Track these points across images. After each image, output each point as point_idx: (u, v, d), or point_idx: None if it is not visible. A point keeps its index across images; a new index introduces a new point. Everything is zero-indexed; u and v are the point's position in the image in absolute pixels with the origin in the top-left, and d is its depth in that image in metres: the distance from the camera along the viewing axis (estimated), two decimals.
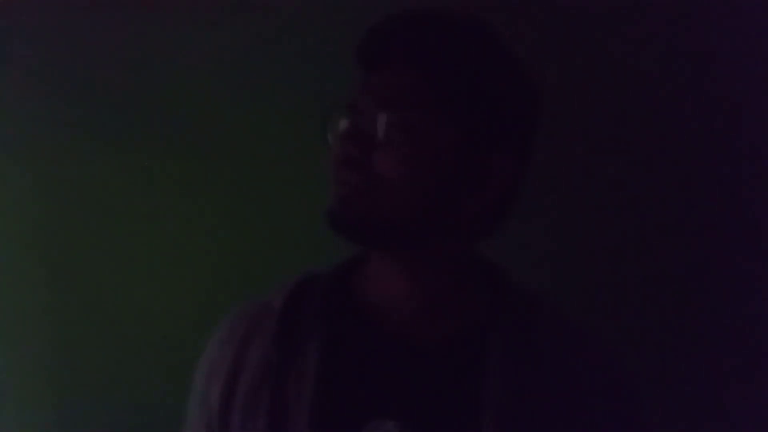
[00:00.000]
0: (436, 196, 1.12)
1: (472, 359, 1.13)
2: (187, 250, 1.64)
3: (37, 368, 1.66)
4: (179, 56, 1.63)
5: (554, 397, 1.12)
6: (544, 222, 1.60)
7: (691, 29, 1.58)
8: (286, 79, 1.58)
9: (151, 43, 1.63)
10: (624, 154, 1.60)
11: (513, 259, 1.31)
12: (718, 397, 1.57)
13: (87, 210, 1.66)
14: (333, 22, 1.58)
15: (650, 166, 1.60)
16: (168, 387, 1.51)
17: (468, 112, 1.10)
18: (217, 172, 1.64)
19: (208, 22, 1.62)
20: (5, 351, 1.66)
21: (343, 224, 1.11)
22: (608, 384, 1.16)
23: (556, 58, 1.59)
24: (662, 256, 1.59)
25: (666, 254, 1.59)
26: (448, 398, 1.11)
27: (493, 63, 1.13)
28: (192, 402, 1.23)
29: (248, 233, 1.63)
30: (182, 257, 1.64)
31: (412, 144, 1.09)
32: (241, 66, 1.62)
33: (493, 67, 1.13)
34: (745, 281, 1.58)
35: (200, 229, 1.64)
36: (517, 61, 1.15)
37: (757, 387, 1.56)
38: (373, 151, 1.09)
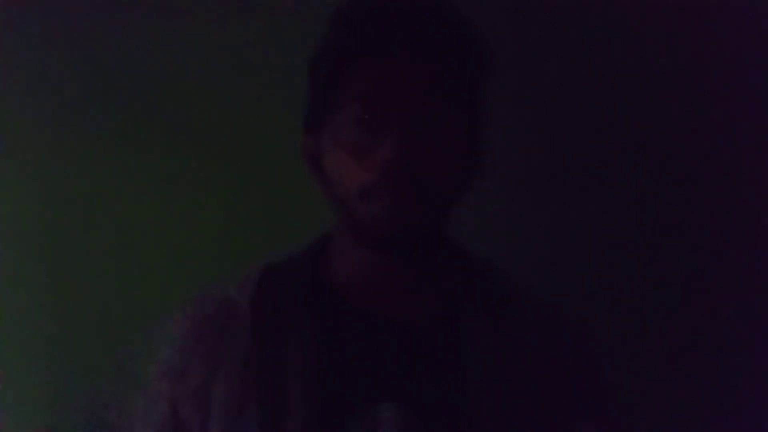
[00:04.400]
0: (461, 190, 1.13)
1: (451, 335, 1.14)
2: (189, 251, 1.64)
3: (37, 368, 1.66)
4: (181, 56, 1.63)
5: (534, 369, 1.14)
6: (543, 222, 1.60)
7: (691, 29, 1.59)
8: (287, 79, 1.58)
9: (152, 42, 1.64)
10: (624, 154, 1.60)
11: (513, 260, 1.31)
12: (718, 397, 1.58)
13: (87, 210, 1.66)
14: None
15: (650, 166, 1.60)
16: None
17: (469, 93, 1.12)
18: (219, 172, 1.64)
19: (209, 21, 1.63)
20: (6, 351, 1.66)
21: (401, 241, 1.08)
22: (577, 354, 1.19)
23: (556, 58, 1.60)
24: (662, 257, 1.60)
25: (666, 254, 1.60)
26: (434, 376, 1.12)
27: (477, 42, 1.14)
28: (145, 408, 1.19)
29: (250, 234, 1.63)
30: (184, 257, 1.64)
31: (453, 138, 1.09)
32: (243, 66, 1.62)
33: (478, 45, 1.14)
34: (745, 281, 1.59)
35: (202, 229, 1.64)
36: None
37: (757, 387, 1.57)
38: (421, 147, 1.06)
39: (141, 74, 1.64)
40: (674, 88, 1.60)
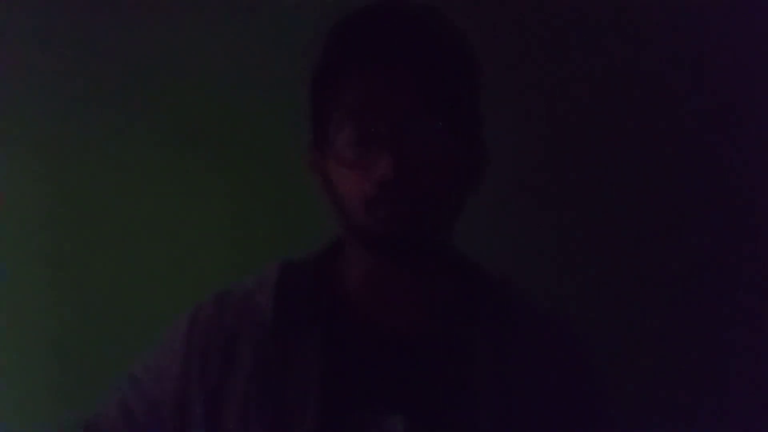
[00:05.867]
0: (462, 191, 1.16)
1: (459, 346, 1.16)
2: (190, 251, 1.64)
3: (38, 368, 1.66)
4: (182, 55, 1.63)
5: (538, 378, 1.16)
6: (544, 222, 1.60)
7: (690, 29, 1.59)
8: (287, 78, 1.58)
9: (153, 41, 1.64)
10: (624, 154, 1.60)
11: (514, 259, 1.31)
12: (718, 396, 1.58)
13: (88, 210, 1.66)
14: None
15: (650, 166, 1.60)
16: None
17: (460, 103, 1.13)
18: (226, 172, 1.64)
19: (210, 20, 1.63)
20: (7, 351, 1.66)
21: (404, 246, 1.10)
22: (578, 364, 1.22)
23: (556, 58, 1.60)
24: (662, 257, 1.60)
25: (666, 254, 1.60)
26: (443, 387, 1.14)
27: (466, 53, 1.16)
28: (132, 385, 1.18)
29: (252, 234, 1.63)
30: (185, 257, 1.64)
31: (449, 150, 1.11)
32: (246, 65, 1.62)
33: (467, 52, 1.16)
34: (745, 284, 1.59)
35: (203, 229, 1.64)
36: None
37: (757, 387, 1.57)
38: (416, 159, 1.08)
39: (143, 73, 1.64)
40: (673, 89, 1.60)
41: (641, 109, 1.60)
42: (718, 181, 1.59)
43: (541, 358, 1.18)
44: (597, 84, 1.60)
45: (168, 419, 1.15)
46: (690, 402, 1.58)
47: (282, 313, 1.16)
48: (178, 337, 1.19)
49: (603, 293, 1.59)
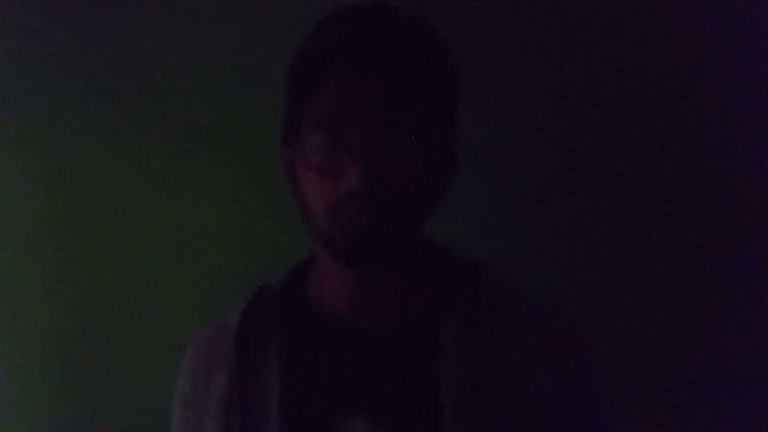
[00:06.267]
0: (434, 197, 1.14)
1: (428, 343, 1.13)
2: (191, 250, 1.64)
3: (38, 369, 1.66)
4: (183, 55, 1.63)
5: (509, 368, 1.12)
6: (543, 222, 1.60)
7: (691, 29, 1.59)
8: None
9: (155, 40, 1.64)
10: (624, 154, 1.60)
11: (513, 259, 1.31)
12: (718, 396, 1.58)
13: (88, 210, 1.66)
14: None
15: (650, 167, 1.60)
16: (169, 388, 1.50)
17: (436, 109, 1.11)
18: (220, 172, 1.64)
19: (211, 20, 1.62)
20: (7, 351, 1.66)
21: (363, 253, 1.08)
22: (561, 344, 1.15)
23: (556, 58, 1.60)
24: (662, 257, 1.60)
25: (666, 255, 1.60)
26: (409, 387, 1.12)
27: (446, 58, 1.14)
28: (175, 425, 1.24)
29: (253, 234, 1.63)
30: (185, 257, 1.64)
31: (423, 148, 1.09)
32: (245, 65, 1.62)
33: (446, 62, 1.13)
34: (745, 281, 1.59)
35: (204, 229, 1.64)
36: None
37: (757, 387, 1.57)
38: (386, 167, 1.06)
39: (144, 72, 1.64)
40: (675, 89, 1.60)
41: (641, 109, 1.60)
42: (718, 181, 1.59)
43: (513, 349, 1.13)
44: (597, 84, 1.60)
45: None
46: (689, 401, 1.58)
47: (245, 329, 1.17)
48: (177, 390, 1.24)
49: (602, 293, 1.58)
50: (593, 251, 1.60)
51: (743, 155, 1.58)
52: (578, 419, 1.14)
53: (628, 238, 1.60)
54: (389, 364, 1.13)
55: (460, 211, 1.43)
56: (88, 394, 1.64)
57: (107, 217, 1.65)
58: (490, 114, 1.57)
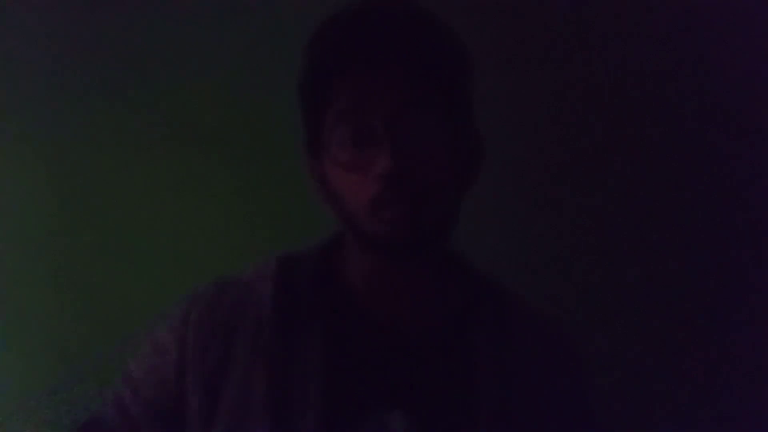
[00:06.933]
0: (466, 180, 1.16)
1: (459, 345, 1.16)
2: (192, 250, 1.64)
3: (38, 369, 1.66)
4: (183, 55, 1.63)
5: (530, 374, 1.16)
6: (544, 222, 1.60)
7: (690, 29, 1.59)
8: (289, 76, 1.59)
9: (155, 40, 1.64)
10: (624, 154, 1.60)
11: (514, 259, 1.31)
12: (718, 397, 1.58)
13: (89, 209, 1.66)
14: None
15: (650, 167, 1.60)
16: None
17: (452, 96, 1.12)
18: (220, 172, 1.64)
19: (212, 20, 1.63)
20: (7, 351, 1.66)
21: (412, 247, 1.09)
22: (561, 358, 1.21)
23: (556, 58, 1.60)
24: (662, 257, 1.60)
25: (666, 255, 1.60)
26: (444, 385, 1.13)
27: (455, 46, 1.15)
28: (140, 362, 1.17)
29: (254, 234, 1.63)
30: (186, 257, 1.64)
31: (447, 131, 1.10)
32: (246, 65, 1.62)
33: (456, 48, 1.15)
34: (745, 281, 1.59)
35: (205, 229, 1.64)
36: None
37: (757, 387, 1.57)
38: (414, 153, 1.07)
39: (145, 72, 1.64)
40: (675, 89, 1.60)
41: (641, 109, 1.60)
42: (718, 181, 1.59)
43: (538, 357, 1.18)
44: (596, 84, 1.60)
45: (165, 416, 1.14)
46: (688, 403, 1.58)
47: (282, 305, 1.15)
48: (173, 329, 1.16)
49: (602, 294, 1.58)
50: (593, 251, 1.60)
51: (743, 155, 1.58)
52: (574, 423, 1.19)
53: (628, 238, 1.60)
54: (428, 360, 1.14)
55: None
56: (88, 393, 1.64)
57: (107, 216, 1.65)
58: (490, 114, 1.57)
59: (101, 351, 1.64)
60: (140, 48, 1.64)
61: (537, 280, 1.38)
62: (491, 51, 1.58)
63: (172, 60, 1.64)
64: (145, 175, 1.65)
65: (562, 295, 1.51)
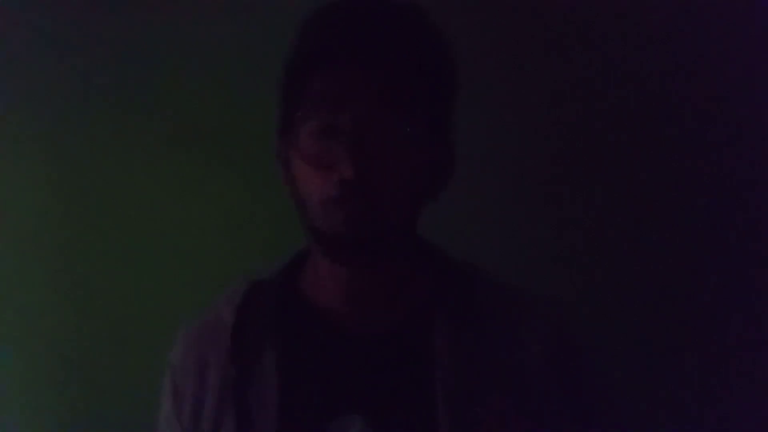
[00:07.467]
0: (424, 195, 1.14)
1: (422, 343, 1.14)
2: (192, 250, 1.64)
3: (40, 369, 1.66)
4: (184, 54, 1.63)
5: (503, 368, 1.12)
6: (542, 222, 1.60)
7: (691, 29, 1.58)
8: None
9: (156, 40, 1.64)
10: (624, 154, 1.60)
11: (514, 260, 1.31)
12: (718, 397, 1.58)
13: (88, 209, 1.66)
14: None
15: (650, 167, 1.60)
16: None
17: (431, 102, 1.11)
18: (221, 172, 1.64)
19: (212, 19, 1.62)
20: (7, 351, 1.66)
21: (355, 248, 1.08)
22: (554, 341, 1.16)
23: (555, 58, 1.60)
24: (662, 257, 1.60)
25: (666, 255, 1.60)
26: (404, 386, 1.12)
27: (443, 51, 1.13)
28: (162, 421, 1.21)
29: (254, 234, 1.63)
30: (186, 257, 1.64)
31: (417, 140, 1.09)
32: (248, 65, 1.62)
33: (443, 54, 1.13)
34: (745, 282, 1.59)
35: (205, 229, 1.64)
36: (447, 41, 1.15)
37: (757, 387, 1.57)
38: (379, 158, 1.06)
39: (145, 72, 1.64)
40: (675, 89, 1.60)
41: (640, 109, 1.60)
42: (718, 181, 1.59)
43: (506, 349, 1.14)
44: (596, 84, 1.60)
45: None
46: (688, 403, 1.57)
47: (241, 324, 1.17)
48: (166, 383, 1.21)
49: (602, 293, 1.58)
50: (593, 251, 1.60)
51: (743, 155, 1.58)
52: (573, 417, 1.14)
53: (627, 238, 1.60)
54: (385, 363, 1.13)
55: (457, 211, 1.43)
56: (88, 394, 1.64)
57: (108, 216, 1.65)
58: (489, 114, 1.57)
59: (101, 351, 1.65)
60: (141, 48, 1.64)
61: (537, 280, 1.38)
62: (491, 51, 1.58)
63: (174, 61, 1.63)
64: (146, 175, 1.65)
65: (562, 295, 1.50)
